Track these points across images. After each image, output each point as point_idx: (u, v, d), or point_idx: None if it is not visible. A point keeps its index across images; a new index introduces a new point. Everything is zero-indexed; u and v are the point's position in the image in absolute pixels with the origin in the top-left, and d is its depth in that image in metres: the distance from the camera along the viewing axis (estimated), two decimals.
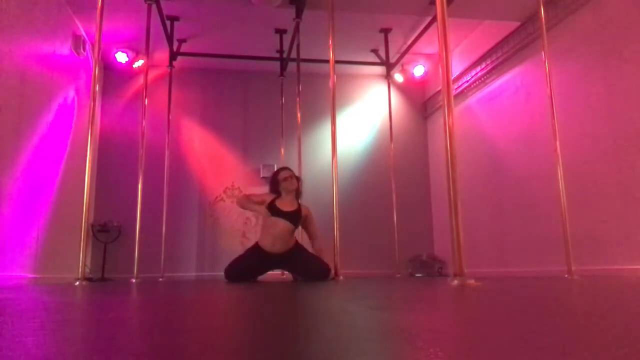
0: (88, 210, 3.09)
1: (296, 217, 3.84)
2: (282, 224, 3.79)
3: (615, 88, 3.51)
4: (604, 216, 3.54)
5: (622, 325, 0.74)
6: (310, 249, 3.96)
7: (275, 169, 4.38)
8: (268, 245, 3.80)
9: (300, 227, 3.98)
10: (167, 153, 5.29)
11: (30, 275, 3.77)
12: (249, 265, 3.83)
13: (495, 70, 5.02)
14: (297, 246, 3.90)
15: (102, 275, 5.10)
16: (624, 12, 3.47)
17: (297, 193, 3.98)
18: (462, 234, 1.97)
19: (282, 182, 3.90)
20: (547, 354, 0.50)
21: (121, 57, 5.55)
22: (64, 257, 4.20)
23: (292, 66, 5.48)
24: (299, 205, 3.93)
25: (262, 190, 5.89)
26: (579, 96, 3.83)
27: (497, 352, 0.53)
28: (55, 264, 4.22)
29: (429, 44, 5.62)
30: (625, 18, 3.46)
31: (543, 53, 3.56)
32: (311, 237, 4.00)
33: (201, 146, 5.93)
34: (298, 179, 4.02)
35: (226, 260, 5.67)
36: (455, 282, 1.93)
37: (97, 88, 3.35)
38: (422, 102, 6.45)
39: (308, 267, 3.76)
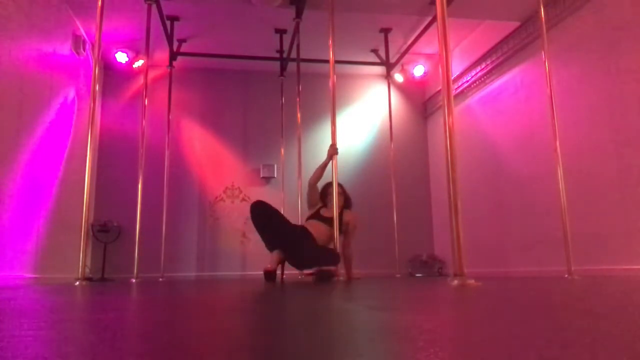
0: (88, 210, 3.09)
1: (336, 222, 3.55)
2: (321, 226, 3.65)
3: (615, 88, 3.50)
4: (604, 216, 3.54)
5: (623, 325, 0.74)
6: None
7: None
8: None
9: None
10: (167, 153, 5.30)
11: (30, 275, 3.77)
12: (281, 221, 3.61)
13: (495, 70, 5.02)
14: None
15: (102, 275, 5.10)
16: (624, 12, 3.47)
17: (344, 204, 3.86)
18: (462, 234, 1.97)
19: (328, 196, 3.75)
20: (548, 354, 0.50)
21: (121, 57, 5.55)
22: (64, 257, 4.20)
23: (292, 66, 5.48)
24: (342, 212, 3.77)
25: (262, 190, 5.93)
26: (579, 96, 3.83)
27: (497, 352, 0.53)
28: (55, 264, 4.22)
29: (429, 44, 5.62)
30: (625, 18, 3.46)
31: (543, 53, 3.56)
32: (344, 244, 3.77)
33: (201, 146, 5.93)
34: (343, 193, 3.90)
35: (226, 260, 5.72)
36: (455, 282, 1.93)
37: (97, 88, 3.35)
38: (422, 102, 6.45)
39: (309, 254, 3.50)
